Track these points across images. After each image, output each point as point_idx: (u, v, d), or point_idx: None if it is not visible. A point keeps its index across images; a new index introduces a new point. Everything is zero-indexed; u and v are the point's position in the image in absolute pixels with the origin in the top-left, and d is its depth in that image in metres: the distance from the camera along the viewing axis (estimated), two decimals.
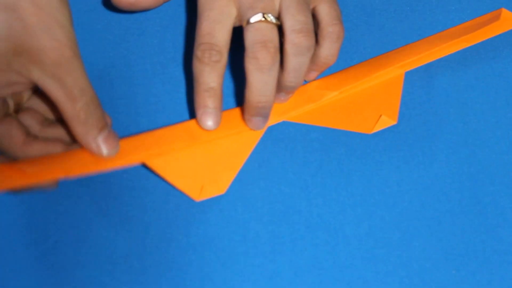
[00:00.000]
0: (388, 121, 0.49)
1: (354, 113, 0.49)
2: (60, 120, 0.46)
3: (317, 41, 0.46)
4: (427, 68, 0.51)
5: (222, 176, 0.46)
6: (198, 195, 0.46)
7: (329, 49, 0.46)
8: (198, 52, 0.44)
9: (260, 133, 0.48)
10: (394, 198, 0.47)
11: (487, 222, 0.47)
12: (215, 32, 0.44)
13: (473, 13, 0.54)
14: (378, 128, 0.49)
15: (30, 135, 0.44)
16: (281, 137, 0.48)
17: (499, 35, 0.53)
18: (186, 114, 0.49)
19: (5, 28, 0.39)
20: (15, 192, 0.45)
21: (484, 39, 0.51)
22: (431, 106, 0.50)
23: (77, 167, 0.43)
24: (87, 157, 0.44)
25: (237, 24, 0.45)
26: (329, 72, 0.50)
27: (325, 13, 0.46)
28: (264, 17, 0.43)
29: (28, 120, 0.44)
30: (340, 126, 0.49)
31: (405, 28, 0.53)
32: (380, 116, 0.49)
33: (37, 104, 0.45)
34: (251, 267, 0.45)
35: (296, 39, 0.43)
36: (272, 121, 0.48)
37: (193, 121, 0.47)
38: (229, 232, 0.46)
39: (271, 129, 0.48)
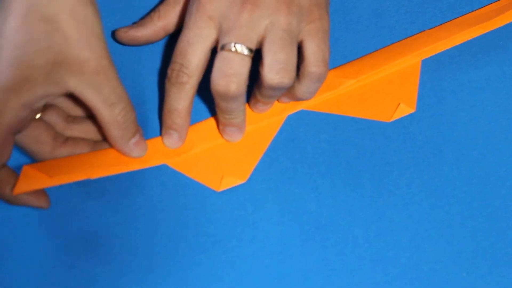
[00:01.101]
0: (406, 109, 0.49)
1: (372, 101, 0.49)
2: (84, 116, 0.47)
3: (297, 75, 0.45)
4: (437, 70, 0.51)
5: (243, 165, 0.47)
6: (219, 186, 0.46)
7: (306, 88, 0.45)
8: (169, 70, 0.44)
9: (280, 121, 0.48)
10: (403, 200, 0.47)
11: (498, 224, 0.46)
12: (187, 53, 0.43)
13: None
14: (397, 116, 0.49)
15: (57, 138, 0.45)
16: (291, 138, 0.48)
17: (511, 39, 0.52)
18: (199, 114, 0.49)
19: (46, 39, 0.40)
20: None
21: (501, 25, 0.51)
22: (441, 108, 0.50)
23: (103, 168, 0.45)
24: (113, 158, 0.45)
25: (216, 46, 0.44)
26: (346, 60, 0.50)
27: (311, 52, 0.43)
28: (235, 47, 0.42)
29: (53, 118, 0.45)
30: (358, 114, 0.49)
31: (420, 15, 0.52)
32: (399, 104, 0.49)
33: (61, 101, 0.46)
34: (260, 268, 0.45)
35: (272, 79, 0.42)
36: (291, 110, 0.49)
37: (211, 119, 0.48)
38: (238, 233, 0.45)
39: (281, 130, 0.48)
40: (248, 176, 0.47)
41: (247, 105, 0.48)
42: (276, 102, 0.49)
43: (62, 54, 0.41)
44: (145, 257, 0.45)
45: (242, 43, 0.42)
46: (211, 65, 0.42)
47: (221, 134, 0.47)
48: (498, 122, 0.49)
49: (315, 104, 0.49)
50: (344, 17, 0.52)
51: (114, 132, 0.44)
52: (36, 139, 0.44)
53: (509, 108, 0.50)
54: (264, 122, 0.48)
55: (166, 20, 0.48)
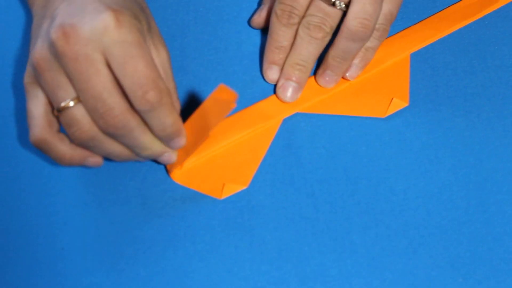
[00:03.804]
0: (400, 103, 0.50)
1: (365, 98, 0.50)
2: None
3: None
4: (432, 76, 0.51)
5: (243, 171, 0.47)
6: (221, 194, 0.46)
7: (342, 46, 0.48)
8: (278, 11, 0.48)
9: (276, 125, 0.49)
10: (400, 206, 0.47)
11: (494, 230, 0.46)
12: None
13: None
14: (391, 111, 0.49)
15: None
16: (287, 144, 0.48)
17: (506, 45, 0.53)
18: None
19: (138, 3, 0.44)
20: None
21: (486, 13, 0.53)
22: (437, 114, 0.50)
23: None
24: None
25: None
26: None
27: (352, 9, 0.47)
28: (333, 2, 0.46)
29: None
30: (353, 112, 0.49)
31: (406, 9, 0.54)
32: (392, 99, 0.49)
33: None
34: (257, 274, 0.45)
35: (355, 26, 0.46)
36: (287, 113, 0.49)
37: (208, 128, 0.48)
38: (235, 239, 0.46)
39: (277, 136, 0.49)
40: (249, 181, 0.47)
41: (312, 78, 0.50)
42: (271, 104, 0.49)
43: (150, 23, 0.44)
44: (142, 264, 0.45)
45: None
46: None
47: (277, 91, 0.49)
48: (494, 127, 0.50)
49: (309, 106, 0.49)
50: None
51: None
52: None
53: (504, 114, 0.50)
54: (261, 126, 0.48)
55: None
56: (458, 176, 0.48)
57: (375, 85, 0.50)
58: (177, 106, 0.45)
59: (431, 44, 0.52)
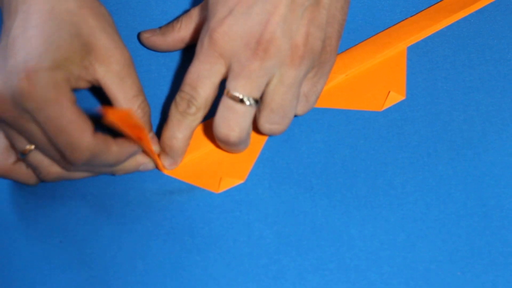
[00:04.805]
0: (397, 96, 0.50)
1: (362, 92, 0.50)
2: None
3: None
4: (431, 70, 0.51)
5: (240, 165, 0.47)
6: (218, 187, 0.46)
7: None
8: (177, 98, 0.44)
9: None
10: (399, 199, 0.47)
11: (492, 224, 0.46)
12: (198, 86, 0.44)
13: None
14: (388, 104, 0.49)
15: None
16: (285, 138, 0.48)
17: (506, 37, 0.53)
18: None
19: (74, 28, 0.41)
20: None
21: (485, 4, 0.53)
22: (435, 108, 0.50)
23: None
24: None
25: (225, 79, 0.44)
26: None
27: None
28: (241, 97, 0.42)
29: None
30: (350, 106, 0.49)
31: (404, 2, 0.53)
32: (389, 92, 0.49)
33: None
34: (256, 268, 0.45)
35: (265, 129, 0.45)
36: None
37: (207, 122, 0.48)
38: (233, 233, 0.46)
39: None
40: (246, 175, 0.47)
41: None
42: None
43: (91, 42, 0.42)
44: (141, 258, 0.45)
45: (248, 94, 0.42)
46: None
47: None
48: (492, 121, 0.50)
49: None
50: None
51: None
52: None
53: (503, 108, 0.50)
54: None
55: (186, 31, 0.49)
56: (457, 170, 0.48)
57: (371, 78, 0.50)
58: (146, 108, 0.45)
59: (429, 37, 0.52)
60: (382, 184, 0.47)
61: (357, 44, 0.52)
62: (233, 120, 0.43)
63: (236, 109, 0.43)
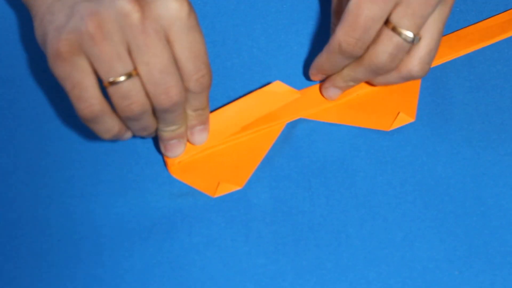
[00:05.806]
0: (406, 118, 0.49)
1: (372, 110, 0.49)
2: None
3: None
4: (432, 70, 0.51)
5: (240, 172, 0.47)
6: (215, 192, 0.46)
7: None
8: (343, 43, 0.44)
9: (279, 129, 0.48)
10: (397, 199, 0.47)
11: (491, 223, 0.46)
12: (370, 29, 0.44)
13: (480, 14, 0.54)
14: (396, 125, 0.49)
15: None
16: (285, 137, 0.48)
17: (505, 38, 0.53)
18: None
19: None
20: None
21: (507, 36, 0.52)
22: (434, 108, 0.50)
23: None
24: None
25: None
26: None
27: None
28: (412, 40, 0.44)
29: None
30: (358, 123, 0.49)
31: None
32: (398, 113, 0.49)
33: None
34: (254, 267, 0.45)
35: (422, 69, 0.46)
36: (291, 117, 0.49)
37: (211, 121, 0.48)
38: (231, 232, 0.46)
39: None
40: (245, 182, 0.47)
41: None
42: (277, 106, 0.48)
43: None
44: (139, 257, 0.45)
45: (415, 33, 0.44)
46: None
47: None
48: (491, 121, 0.50)
49: (314, 113, 0.49)
50: None
51: None
52: None
53: (503, 107, 0.50)
54: (263, 127, 0.48)
55: None
56: (455, 169, 0.48)
57: (383, 98, 0.50)
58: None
59: (447, 63, 0.52)
60: (380, 184, 0.47)
61: None
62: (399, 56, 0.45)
63: (404, 47, 0.44)
